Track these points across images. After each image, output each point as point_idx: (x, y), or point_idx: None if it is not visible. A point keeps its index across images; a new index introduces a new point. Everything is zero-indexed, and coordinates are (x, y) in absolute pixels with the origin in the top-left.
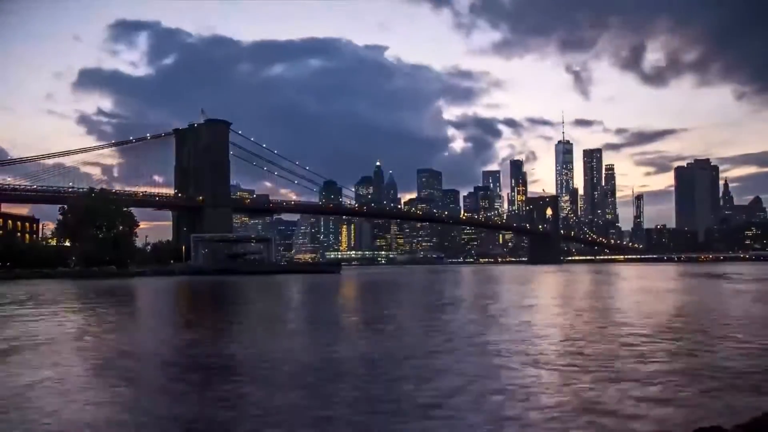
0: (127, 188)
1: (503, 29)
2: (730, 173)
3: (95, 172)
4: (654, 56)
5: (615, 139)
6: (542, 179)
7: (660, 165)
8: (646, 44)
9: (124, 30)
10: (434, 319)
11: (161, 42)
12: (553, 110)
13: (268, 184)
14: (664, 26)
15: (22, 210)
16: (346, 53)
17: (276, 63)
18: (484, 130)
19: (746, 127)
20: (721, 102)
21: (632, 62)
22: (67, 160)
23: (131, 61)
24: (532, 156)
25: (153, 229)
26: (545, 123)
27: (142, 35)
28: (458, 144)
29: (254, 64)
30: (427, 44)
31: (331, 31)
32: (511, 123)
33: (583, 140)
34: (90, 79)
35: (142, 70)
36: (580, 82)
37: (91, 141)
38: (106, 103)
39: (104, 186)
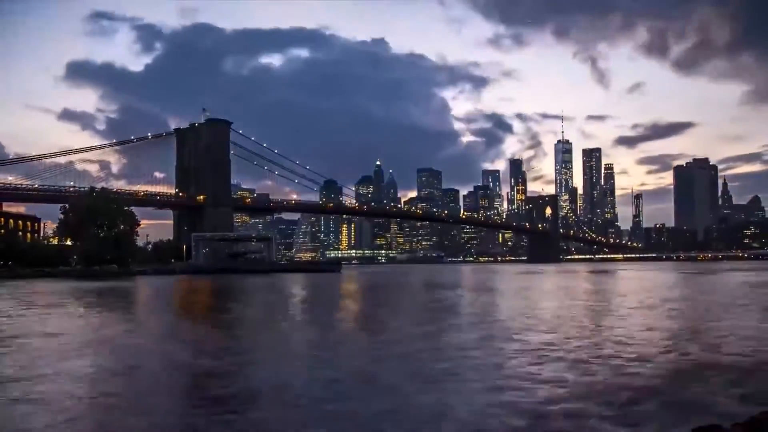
0: (129, 187)
1: (507, 19)
2: (729, 172)
3: (96, 171)
4: (680, 44)
5: (630, 133)
6: (548, 174)
7: (661, 163)
8: (670, 30)
9: (106, 22)
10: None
11: (144, 33)
12: (566, 103)
13: (268, 183)
14: (690, 11)
15: (24, 209)
16: (335, 44)
17: (263, 53)
18: (494, 125)
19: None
20: (729, 98)
21: (656, 50)
22: (68, 159)
23: (117, 53)
24: (542, 152)
25: (154, 227)
26: (556, 117)
27: (125, 27)
28: (466, 138)
29: (241, 54)
30: (420, 35)
31: (318, 21)
32: (521, 117)
33: (597, 133)
34: (78, 73)
35: (129, 63)
36: (597, 72)
37: (84, 135)
38: (95, 98)
39: (105, 185)
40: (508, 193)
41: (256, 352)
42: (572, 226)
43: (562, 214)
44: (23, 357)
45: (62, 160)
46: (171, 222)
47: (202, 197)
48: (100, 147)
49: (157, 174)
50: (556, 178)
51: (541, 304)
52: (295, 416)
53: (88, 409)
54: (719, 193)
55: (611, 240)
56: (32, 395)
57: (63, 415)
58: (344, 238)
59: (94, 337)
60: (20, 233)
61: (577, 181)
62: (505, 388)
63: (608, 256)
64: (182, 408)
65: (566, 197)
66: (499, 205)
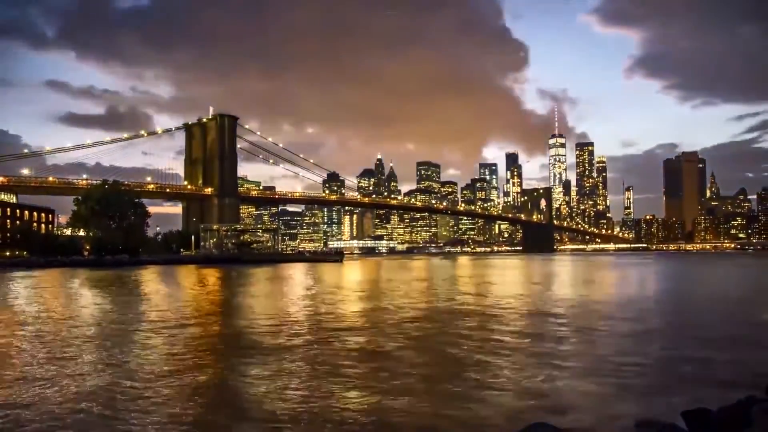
0: (139, 179)
1: None
2: (718, 164)
3: (106, 164)
4: None
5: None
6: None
7: (648, 156)
8: None
9: None
10: None
11: None
12: None
13: (274, 175)
14: None
15: (38, 201)
16: None
17: None
18: None
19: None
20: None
21: None
22: (81, 153)
23: None
24: None
25: (163, 216)
26: None
27: None
28: None
29: None
30: None
31: None
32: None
33: None
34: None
35: None
36: None
37: None
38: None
39: (117, 177)
40: (504, 185)
41: None
42: (565, 218)
43: (555, 205)
44: None
45: (76, 153)
46: (180, 210)
47: (209, 189)
48: (112, 142)
49: (167, 167)
50: (549, 170)
51: None
52: None
53: None
54: (707, 185)
55: (603, 231)
56: None
57: None
58: (346, 228)
59: None
60: (35, 224)
61: (571, 173)
62: None
63: (600, 246)
64: None
65: (560, 190)
66: (496, 196)
